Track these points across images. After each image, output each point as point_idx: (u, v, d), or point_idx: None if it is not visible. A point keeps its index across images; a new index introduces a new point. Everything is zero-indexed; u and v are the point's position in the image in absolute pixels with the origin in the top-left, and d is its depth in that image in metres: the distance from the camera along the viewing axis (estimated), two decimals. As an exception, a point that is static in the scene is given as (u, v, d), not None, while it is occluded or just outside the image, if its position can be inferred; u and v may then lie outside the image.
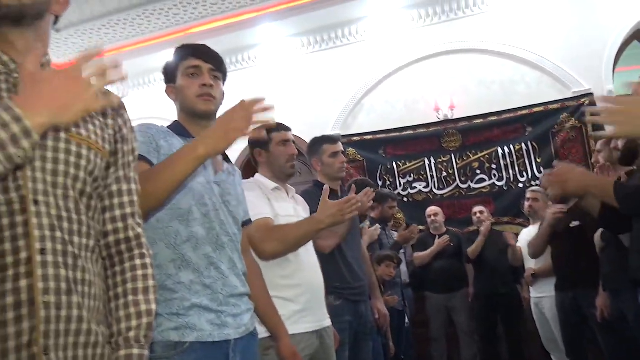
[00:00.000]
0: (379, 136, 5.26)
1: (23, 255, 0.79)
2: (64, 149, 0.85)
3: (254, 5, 5.12)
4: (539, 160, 4.75)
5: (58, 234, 0.82)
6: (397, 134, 5.18)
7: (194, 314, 1.23)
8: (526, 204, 3.92)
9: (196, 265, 1.26)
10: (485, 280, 4.25)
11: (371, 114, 5.37)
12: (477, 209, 4.53)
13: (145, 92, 5.89)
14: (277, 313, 1.61)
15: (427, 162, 5.09)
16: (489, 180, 4.92)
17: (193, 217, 1.28)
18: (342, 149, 2.52)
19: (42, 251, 0.80)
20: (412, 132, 5.15)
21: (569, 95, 4.74)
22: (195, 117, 1.42)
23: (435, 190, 5.07)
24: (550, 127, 4.73)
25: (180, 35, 5.32)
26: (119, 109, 0.99)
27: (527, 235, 3.84)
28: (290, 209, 1.94)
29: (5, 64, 0.86)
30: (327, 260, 2.14)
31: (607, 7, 4.72)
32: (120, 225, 0.95)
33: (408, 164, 5.16)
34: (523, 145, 4.81)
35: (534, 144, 4.78)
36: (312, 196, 2.19)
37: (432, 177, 5.09)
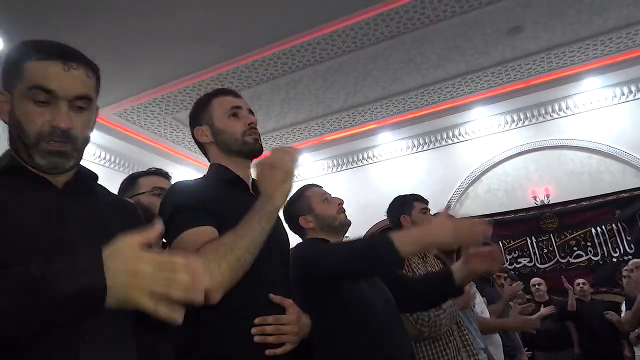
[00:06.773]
0: (484, 219, 6.26)
1: None
2: None
3: (374, 120, 6.52)
4: (629, 238, 5.60)
5: None
6: (501, 217, 6.19)
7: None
8: (624, 280, 4.80)
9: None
10: (590, 342, 5.05)
11: (476, 201, 6.44)
12: (579, 280, 5.42)
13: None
14: None
15: (528, 240, 6.04)
16: (586, 255, 5.77)
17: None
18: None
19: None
20: (513, 215, 6.16)
21: (650, 182, 5.62)
22: None
23: (538, 265, 5.97)
24: (637, 210, 5.60)
25: (317, 142, 6.85)
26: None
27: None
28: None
29: None
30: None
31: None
32: None
33: (512, 242, 6.12)
34: (614, 225, 5.67)
35: (623, 224, 5.64)
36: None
37: (534, 253, 6.01)
